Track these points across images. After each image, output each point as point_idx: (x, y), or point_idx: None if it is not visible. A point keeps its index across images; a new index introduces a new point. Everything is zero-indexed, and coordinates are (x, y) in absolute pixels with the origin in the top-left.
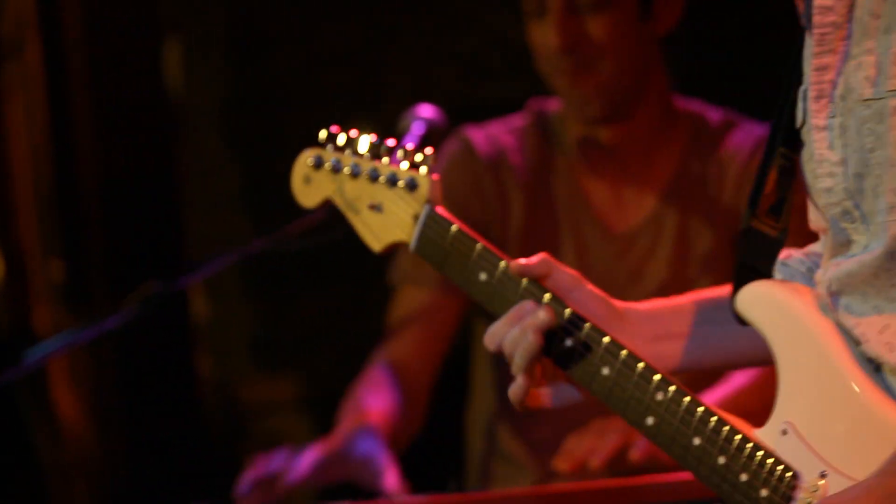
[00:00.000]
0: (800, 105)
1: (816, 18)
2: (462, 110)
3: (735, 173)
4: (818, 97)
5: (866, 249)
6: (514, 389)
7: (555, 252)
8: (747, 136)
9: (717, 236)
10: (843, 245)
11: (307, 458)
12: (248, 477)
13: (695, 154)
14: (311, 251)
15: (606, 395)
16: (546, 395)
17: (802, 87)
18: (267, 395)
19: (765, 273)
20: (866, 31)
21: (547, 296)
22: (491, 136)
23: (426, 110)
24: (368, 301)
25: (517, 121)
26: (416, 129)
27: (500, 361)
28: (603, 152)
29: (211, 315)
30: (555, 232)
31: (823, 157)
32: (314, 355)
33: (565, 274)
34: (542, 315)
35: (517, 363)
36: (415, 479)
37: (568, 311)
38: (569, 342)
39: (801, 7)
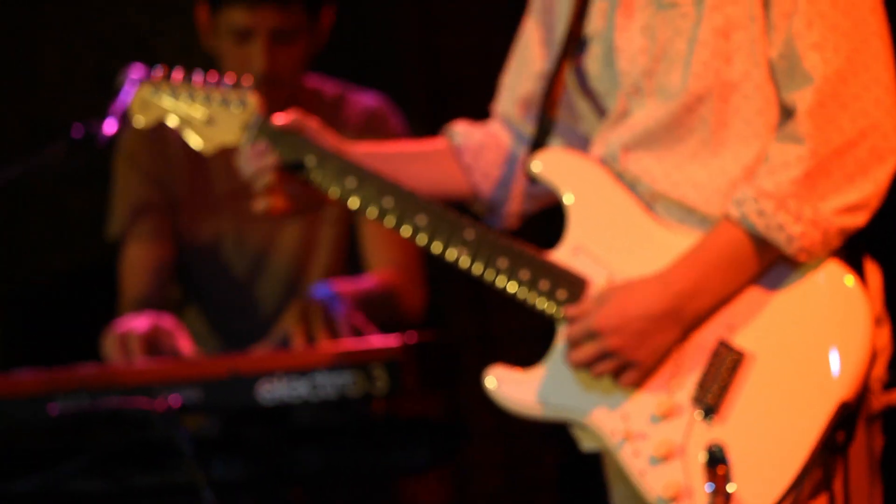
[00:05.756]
0: (595, 19)
1: None
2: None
3: (350, 138)
4: (623, 5)
5: (651, 114)
6: (255, 205)
7: (216, 192)
8: (357, 105)
9: None
10: (622, 116)
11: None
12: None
13: None
14: None
15: (422, 235)
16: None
17: (598, 6)
18: None
19: (543, 146)
20: None
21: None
22: None
23: (137, 71)
24: None
25: None
26: (129, 86)
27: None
28: None
29: None
30: (215, 177)
31: (625, 48)
32: None
33: (311, 125)
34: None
35: (256, 185)
36: None
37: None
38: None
39: None
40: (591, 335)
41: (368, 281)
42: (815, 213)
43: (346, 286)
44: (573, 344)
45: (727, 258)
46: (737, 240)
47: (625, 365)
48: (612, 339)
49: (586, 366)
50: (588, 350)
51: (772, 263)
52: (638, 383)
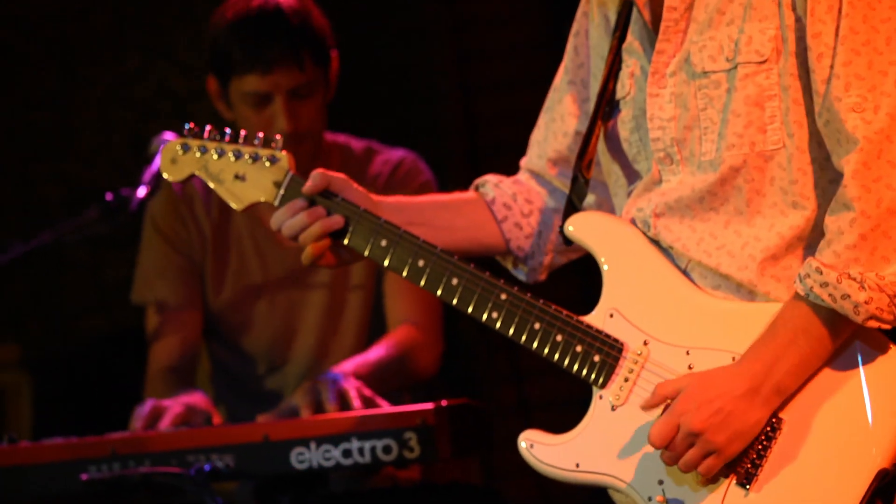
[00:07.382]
0: (625, 83)
1: (665, 15)
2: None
3: (379, 190)
4: (654, 73)
5: (685, 183)
6: (303, 256)
7: (242, 259)
8: (386, 160)
9: None
10: (654, 183)
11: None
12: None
13: None
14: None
15: (453, 297)
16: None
17: (628, 70)
18: None
19: (578, 207)
20: (710, 23)
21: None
22: None
23: (170, 136)
24: None
25: None
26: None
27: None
28: None
29: None
30: (240, 246)
31: (655, 115)
32: None
33: (337, 179)
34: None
35: (302, 239)
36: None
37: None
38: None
39: (645, 14)
40: (674, 419)
41: (379, 350)
42: (878, 277)
43: (355, 365)
44: (661, 440)
45: (799, 334)
46: (805, 315)
47: (708, 452)
48: (692, 419)
49: (667, 443)
50: (679, 442)
51: (854, 333)
52: (716, 470)
